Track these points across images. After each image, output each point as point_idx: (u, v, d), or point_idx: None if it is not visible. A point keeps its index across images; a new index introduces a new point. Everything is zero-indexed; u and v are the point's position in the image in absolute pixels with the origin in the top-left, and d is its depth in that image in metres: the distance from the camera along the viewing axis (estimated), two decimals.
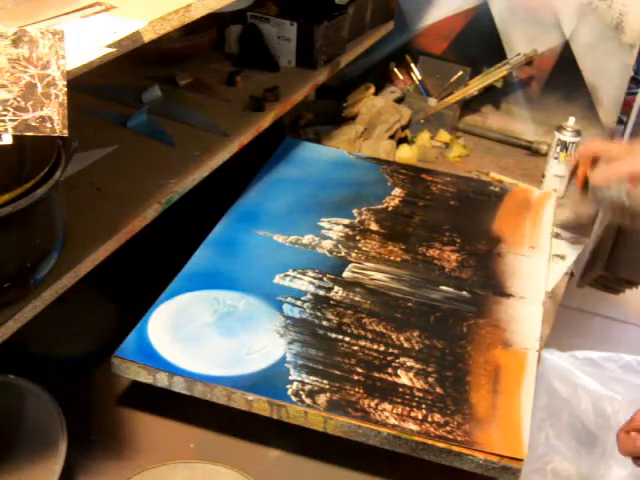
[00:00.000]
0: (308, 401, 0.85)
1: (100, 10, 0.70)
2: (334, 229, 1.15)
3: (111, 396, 0.95)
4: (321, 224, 1.16)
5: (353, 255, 1.10)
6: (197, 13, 0.80)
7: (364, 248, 1.12)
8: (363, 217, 1.19)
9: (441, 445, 0.82)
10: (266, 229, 1.13)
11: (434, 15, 1.60)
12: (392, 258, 1.10)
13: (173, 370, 0.87)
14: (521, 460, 0.81)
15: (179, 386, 0.87)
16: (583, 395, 1.46)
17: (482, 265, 1.11)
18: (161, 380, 0.88)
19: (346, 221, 1.17)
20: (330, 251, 1.10)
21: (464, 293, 1.05)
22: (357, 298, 1.02)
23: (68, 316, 0.96)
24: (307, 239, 1.12)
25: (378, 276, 1.06)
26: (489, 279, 1.08)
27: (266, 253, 1.09)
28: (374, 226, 1.17)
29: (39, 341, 0.95)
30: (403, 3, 1.60)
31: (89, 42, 0.64)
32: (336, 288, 1.03)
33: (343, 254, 1.10)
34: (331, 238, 1.13)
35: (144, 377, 0.88)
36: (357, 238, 1.14)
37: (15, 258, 0.67)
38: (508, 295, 1.06)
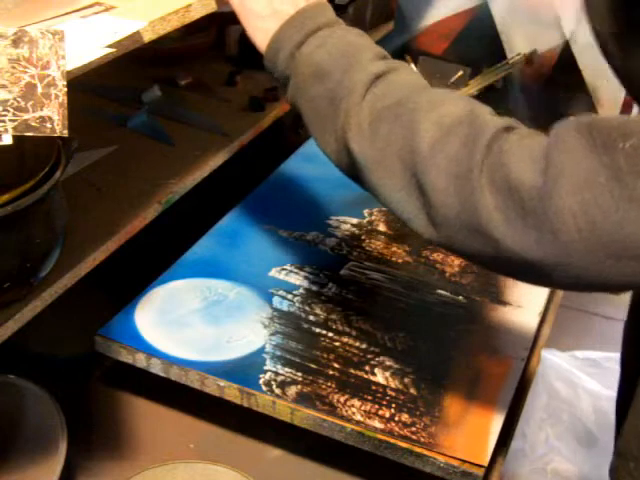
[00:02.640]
0: (278, 391, 0.86)
1: (100, 10, 0.70)
2: (341, 227, 1.15)
3: (111, 396, 0.94)
4: (329, 222, 1.16)
5: (354, 254, 1.10)
6: (197, 13, 0.79)
7: (367, 248, 1.12)
8: (373, 218, 1.19)
9: (403, 445, 0.82)
10: (272, 223, 1.14)
11: (434, 15, 1.59)
12: (394, 259, 1.10)
13: (152, 352, 0.89)
14: (482, 467, 0.80)
15: (156, 368, 0.89)
16: (583, 395, 1.46)
17: (485, 272, 1.10)
18: (140, 361, 0.89)
19: (354, 220, 1.17)
20: (332, 249, 1.10)
21: (460, 298, 1.04)
22: (349, 296, 1.02)
23: (68, 316, 0.96)
24: (311, 235, 1.12)
25: (375, 276, 1.06)
26: (489, 286, 1.08)
27: (268, 246, 1.09)
28: (382, 227, 1.17)
29: (39, 341, 0.95)
30: (403, 3, 1.60)
31: (89, 42, 0.64)
32: (330, 284, 1.03)
33: (345, 252, 1.10)
34: (336, 236, 1.13)
35: (124, 357, 0.90)
36: (362, 238, 1.14)
37: (15, 258, 0.67)
38: (505, 303, 1.05)
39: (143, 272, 1.09)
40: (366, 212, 1.20)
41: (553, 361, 1.50)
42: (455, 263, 1.11)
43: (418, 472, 0.84)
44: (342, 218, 1.18)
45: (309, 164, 1.31)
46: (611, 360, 1.54)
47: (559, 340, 1.47)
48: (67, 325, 0.99)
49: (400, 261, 1.10)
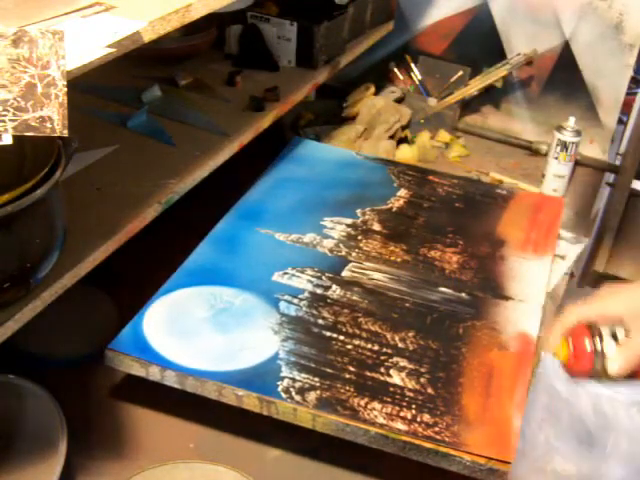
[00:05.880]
0: (298, 398, 0.85)
1: (100, 10, 0.70)
2: (336, 228, 1.15)
3: (111, 396, 0.94)
4: (324, 223, 1.16)
5: (353, 255, 1.10)
6: (197, 13, 0.80)
7: (365, 248, 1.12)
8: (366, 217, 1.19)
9: (428, 445, 0.82)
10: (268, 227, 1.13)
11: (434, 15, 1.60)
12: (392, 258, 1.10)
13: (165, 364, 0.88)
14: (508, 463, 0.80)
15: (170, 380, 0.88)
16: (583, 395, 1.46)
17: (483, 267, 1.11)
18: (153, 374, 0.88)
19: (349, 221, 1.17)
20: (331, 250, 1.10)
21: (463, 295, 1.05)
22: (354, 297, 1.02)
23: (68, 316, 0.96)
24: (308, 238, 1.12)
25: (377, 276, 1.06)
26: (489, 281, 1.08)
27: (266, 251, 1.09)
28: (377, 226, 1.17)
29: (39, 341, 0.95)
30: (403, 3, 1.60)
31: (89, 42, 0.64)
32: (334, 287, 1.03)
33: (343, 253, 1.10)
34: (332, 237, 1.13)
35: (136, 370, 0.89)
36: (359, 238, 1.14)
37: (15, 258, 0.67)
38: (507, 298, 1.05)
39: (143, 272, 1.09)
40: (359, 212, 1.20)
41: (553, 361, 1.50)
42: (453, 260, 1.11)
43: (418, 467, 0.84)
44: (336, 219, 1.17)
45: (297, 166, 1.31)
46: None
47: None
48: (67, 325, 0.99)
49: (399, 260, 1.10)
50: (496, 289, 1.07)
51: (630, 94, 1.60)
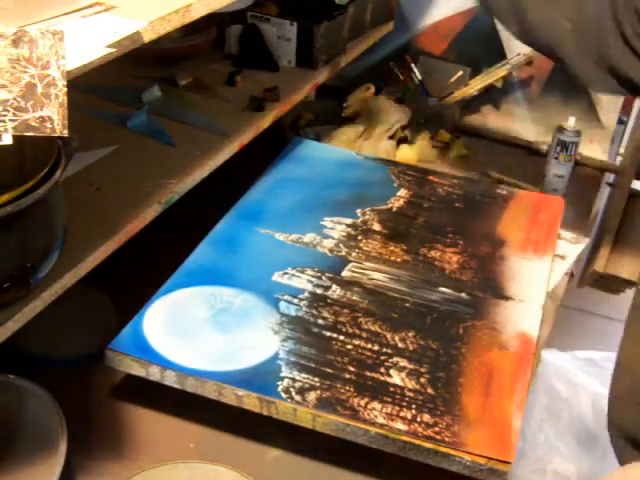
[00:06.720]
0: (298, 398, 0.85)
1: (100, 10, 0.70)
2: (336, 228, 1.15)
3: (111, 396, 0.95)
4: (324, 223, 1.16)
5: (353, 255, 1.10)
6: (197, 13, 0.80)
7: (365, 248, 1.12)
8: (366, 217, 1.19)
9: (428, 445, 0.82)
10: (268, 227, 1.13)
11: (434, 15, 1.60)
12: (392, 258, 1.10)
13: (165, 364, 0.88)
14: (508, 463, 0.80)
15: (170, 380, 0.88)
16: (583, 395, 1.46)
17: (483, 267, 1.11)
18: (153, 374, 0.88)
19: (349, 221, 1.17)
20: (331, 250, 1.10)
21: (463, 295, 1.05)
22: (354, 297, 1.02)
23: (68, 316, 0.96)
24: (308, 238, 1.12)
25: (377, 276, 1.06)
26: (489, 281, 1.08)
27: (266, 251, 1.09)
28: (377, 226, 1.17)
29: (39, 341, 0.95)
30: (403, 3, 1.60)
31: (89, 42, 0.64)
32: (334, 287, 1.03)
33: (343, 253, 1.10)
34: (332, 237, 1.13)
35: (136, 370, 0.89)
36: (359, 238, 1.14)
37: (15, 258, 0.67)
38: (507, 298, 1.05)
39: (143, 272, 1.09)
40: (359, 212, 1.20)
41: (553, 361, 1.50)
42: (453, 260, 1.11)
43: (418, 468, 0.84)
44: (336, 219, 1.17)
45: (297, 166, 1.31)
46: (611, 360, 1.55)
47: (559, 340, 1.47)
48: (67, 325, 0.99)
49: (399, 260, 1.10)
50: (496, 289, 1.07)
51: None
